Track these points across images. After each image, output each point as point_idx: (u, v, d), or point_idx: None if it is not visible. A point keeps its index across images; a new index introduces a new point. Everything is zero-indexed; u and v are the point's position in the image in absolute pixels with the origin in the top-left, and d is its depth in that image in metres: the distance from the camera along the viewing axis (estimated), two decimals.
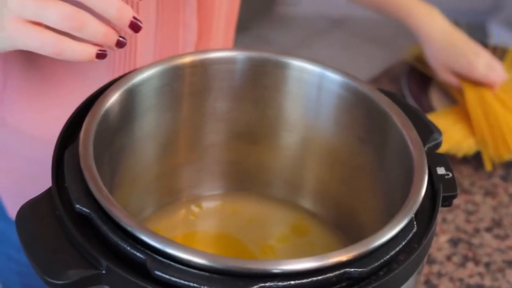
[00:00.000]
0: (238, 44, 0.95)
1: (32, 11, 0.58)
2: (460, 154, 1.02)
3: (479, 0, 2.72)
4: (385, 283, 0.56)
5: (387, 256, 0.57)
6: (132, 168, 0.70)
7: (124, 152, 0.67)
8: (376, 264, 0.56)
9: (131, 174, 0.70)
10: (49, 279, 0.54)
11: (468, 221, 0.96)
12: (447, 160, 0.67)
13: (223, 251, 0.74)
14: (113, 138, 0.64)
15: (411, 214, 0.59)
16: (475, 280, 0.88)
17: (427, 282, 0.87)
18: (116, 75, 0.69)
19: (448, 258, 0.90)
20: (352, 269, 0.55)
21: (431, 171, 0.65)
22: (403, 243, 0.58)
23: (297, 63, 0.72)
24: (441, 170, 0.66)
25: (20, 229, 0.57)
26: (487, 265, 0.90)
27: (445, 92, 1.13)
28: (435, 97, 1.12)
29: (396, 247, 0.58)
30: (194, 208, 0.77)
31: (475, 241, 0.93)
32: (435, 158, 0.67)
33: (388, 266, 0.58)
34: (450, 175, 0.66)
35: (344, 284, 0.56)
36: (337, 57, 2.19)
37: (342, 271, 0.55)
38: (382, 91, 0.71)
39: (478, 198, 0.99)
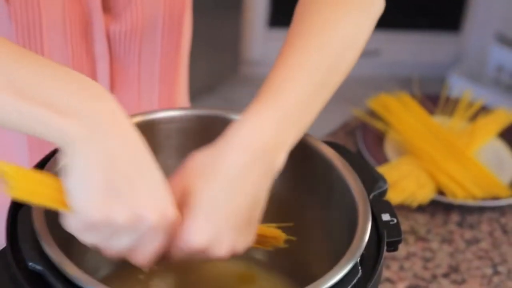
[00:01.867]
0: (204, 105, 0.97)
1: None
2: (415, 203, 1.05)
3: (440, 53, 2.79)
4: None
5: None
6: None
7: None
8: None
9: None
10: None
11: (425, 268, 0.98)
12: (392, 206, 0.70)
13: None
14: None
15: (355, 259, 0.62)
16: None
17: None
18: None
19: None
20: None
21: (376, 218, 0.68)
22: (349, 287, 0.60)
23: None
24: (386, 217, 0.69)
25: None
26: None
27: (399, 144, 1.16)
28: (389, 149, 1.16)
29: None
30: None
31: (433, 287, 0.95)
32: (380, 205, 0.69)
33: None
34: (395, 221, 0.68)
35: None
36: None
37: None
38: (329, 143, 0.74)
39: (434, 245, 1.01)
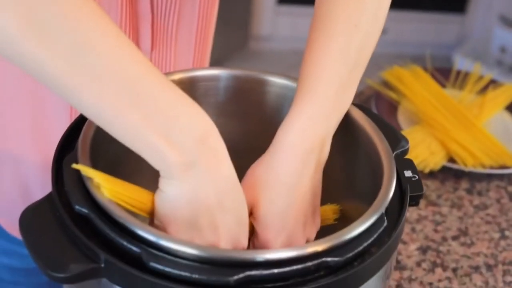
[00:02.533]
0: None
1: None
2: (427, 169, 1.09)
3: (445, 33, 2.82)
4: (358, 272, 0.62)
5: (361, 247, 0.62)
6: (129, 174, 0.75)
7: (119, 160, 0.72)
8: (351, 254, 0.62)
9: (127, 179, 0.75)
10: (52, 273, 0.59)
11: (436, 231, 1.02)
12: (414, 164, 0.73)
13: None
14: (108, 147, 0.69)
15: (382, 210, 0.65)
16: (443, 284, 0.94)
17: (398, 286, 0.93)
18: None
19: (418, 264, 0.96)
20: (329, 259, 0.61)
21: (399, 174, 0.71)
22: (375, 235, 0.64)
23: (279, 81, 0.78)
24: (408, 173, 0.72)
25: (23, 230, 0.62)
26: (454, 270, 0.96)
27: (411, 113, 1.20)
28: (402, 118, 1.19)
29: (369, 239, 0.63)
30: None
31: (443, 248, 0.99)
32: (403, 163, 0.73)
33: (361, 257, 0.63)
34: (417, 177, 0.72)
35: (322, 272, 0.61)
36: None
37: (320, 260, 0.61)
38: (356, 105, 0.77)
39: (444, 209, 1.05)
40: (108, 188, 0.62)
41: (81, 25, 0.55)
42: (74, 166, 0.63)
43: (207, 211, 0.62)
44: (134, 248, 0.60)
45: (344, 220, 0.76)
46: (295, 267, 0.60)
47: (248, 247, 0.70)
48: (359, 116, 0.76)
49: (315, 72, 0.70)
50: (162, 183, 0.62)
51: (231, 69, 0.80)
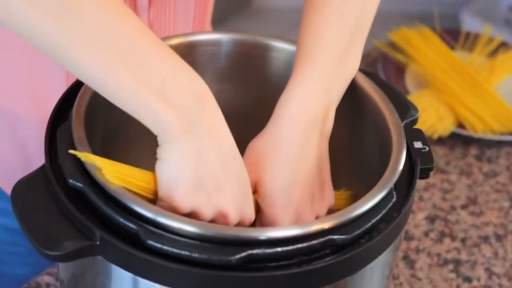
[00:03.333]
0: None
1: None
2: (435, 135, 1.06)
3: None
4: (366, 250, 0.59)
5: (369, 224, 0.60)
6: (127, 143, 0.72)
7: (119, 127, 0.69)
8: (358, 231, 0.59)
9: (125, 149, 0.72)
10: (45, 251, 0.56)
11: (444, 199, 0.99)
12: (424, 135, 0.70)
13: None
14: (107, 114, 0.66)
15: (390, 184, 0.62)
16: (452, 255, 0.91)
17: (405, 257, 0.90)
18: None
19: (426, 234, 0.94)
20: (336, 236, 0.58)
21: (409, 145, 0.68)
22: (383, 211, 0.61)
23: (285, 46, 0.75)
24: (418, 144, 0.69)
25: (15, 204, 0.60)
26: (463, 240, 0.93)
27: (419, 76, 1.16)
28: (409, 81, 1.16)
29: (377, 215, 0.60)
30: None
31: (451, 218, 0.96)
32: (412, 133, 0.70)
33: (369, 234, 0.60)
34: (427, 148, 0.69)
35: (327, 251, 0.59)
36: None
37: (326, 238, 0.58)
38: (362, 71, 0.74)
39: (453, 177, 1.02)
40: (110, 172, 0.58)
41: None
42: (71, 152, 0.60)
43: (212, 173, 0.59)
44: (131, 225, 0.57)
45: (352, 185, 0.73)
46: (299, 245, 0.57)
47: (255, 226, 0.67)
48: (366, 84, 0.72)
49: (312, 37, 0.67)
50: (162, 149, 0.59)
51: (234, 33, 0.76)
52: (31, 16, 0.53)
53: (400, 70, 1.17)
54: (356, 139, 0.73)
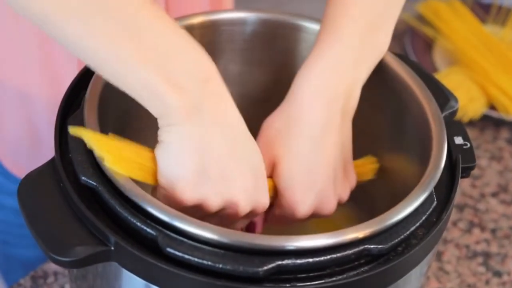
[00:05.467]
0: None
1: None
2: (466, 118, 1.00)
3: None
4: (403, 261, 0.54)
5: (407, 232, 0.55)
6: (138, 131, 0.67)
7: (130, 114, 0.64)
8: (396, 240, 0.54)
9: (137, 137, 0.67)
10: (55, 256, 0.51)
11: (473, 186, 0.94)
12: (464, 129, 0.65)
13: None
14: (119, 101, 0.61)
15: (430, 188, 0.57)
16: (481, 247, 0.87)
17: None
18: None
19: (454, 224, 0.89)
20: (372, 246, 0.53)
21: (449, 141, 0.63)
22: (423, 218, 0.56)
23: (314, 27, 0.69)
24: (458, 140, 0.64)
25: (22, 202, 0.55)
26: (493, 231, 0.88)
27: (449, 52, 1.10)
28: (438, 57, 1.10)
29: (416, 222, 0.55)
30: None
31: (481, 206, 0.91)
32: (452, 127, 0.64)
33: (406, 241, 0.56)
34: (468, 145, 0.64)
35: (362, 261, 0.54)
36: None
37: (361, 248, 0.53)
38: (398, 56, 0.68)
39: (483, 162, 0.97)
40: (103, 148, 0.54)
41: None
42: (71, 130, 0.54)
43: (217, 159, 0.54)
44: (149, 230, 0.52)
45: (387, 178, 0.67)
46: (333, 255, 0.52)
47: (271, 213, 0.62)
48: (405, 73, 0.66)
49: (339, 11, 0.62)
50: (163, 132, 0.54)
51: (259, 12, 0.70)
52: None
53: (428, 45, 1.11)
54: (395, 129, 0.68)
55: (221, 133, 0.54)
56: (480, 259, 0.85)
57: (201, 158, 0.54)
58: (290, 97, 0.61)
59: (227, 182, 0.55)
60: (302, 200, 0.60)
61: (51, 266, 0.79)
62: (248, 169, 0.56)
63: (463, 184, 0.94)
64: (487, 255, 0.86)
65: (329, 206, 0.62)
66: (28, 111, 0.80)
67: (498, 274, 0.84)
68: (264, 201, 0.58)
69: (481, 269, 0.85)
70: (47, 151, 0.57)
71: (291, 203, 0.61)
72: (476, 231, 0.88)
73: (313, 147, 0.60)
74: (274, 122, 0.61)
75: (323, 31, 0.62)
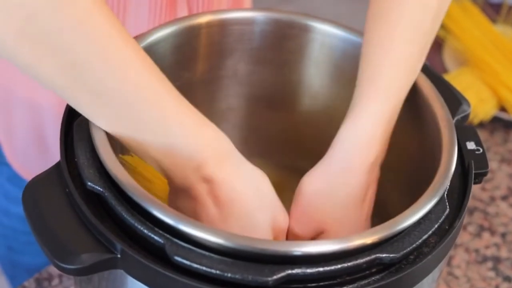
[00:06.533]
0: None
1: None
2: (476, 120, 0.99)
3: None
4: (416, 269, 0.53)
5: (419, 241, 0.53)
6: None
7: None
8: (409, 249, 0.53)
9: None
10: (60, 264, 0.50)
11: (483, 189, 0.93)
12: (477, 133, 0.64)
13: None
14: None
15: (440, 193, 0.56)
16: (491, 251, 0.85)
17: None
18: None
19: (464, 228, 0.88)
20: (384, 255, 0.52)
21: (460, 146, 0.62)
22: (436, 226, 0.55)
23: (325, 28, 0.68)
24: (471, 145, 0.63)
25: (27, 207, 0.54)
26: (503, 235, 0.87)
27: (459, 53, 1.09)
28: (448, 58, 1.08)
29: (429, 230, 0.54)
30: None
31: (491, 210, 0.90)
32: (464, 132, 0.63)
33: (418, 250, 0.54)
34: (481, 150, 0.62)
35: (373, 270, 0.53)
36: (335, 11, 2.09)
37: (373, 256, 0.52)
38: None
39: (493, 164, 0.96)
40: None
41: (80, 41, 0.49)
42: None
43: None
44: (157, 238, 0.51)
45: (398, 183, 0.66)
46: (344, 264, 0.51)
47: None
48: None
49: (376, 66, 0.60)
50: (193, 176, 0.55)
51: (268, 11, 0.69)
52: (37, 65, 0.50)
53: (438, 45, 1.09)
54: (404, 133, 0.66)
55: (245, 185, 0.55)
56: (490, 264, 0.84)
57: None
58: (331, 160, 0.60)
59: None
60: None
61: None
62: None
63: (473, 188, 0.92)
64: (497, 260, 0.85)
65: None
66: (35, 117, 0.80)
67: (508, 279, 0.83)
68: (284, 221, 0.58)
69: (491, 274, 0.83)
70: (55, 158, 0.56)
71: None
72: (486, 235, 0.87)
73: (358, 214, 0.60)
74: (315, 185, 0.60)
75: (364, 81, 0.60)
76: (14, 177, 0.85)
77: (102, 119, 0.53)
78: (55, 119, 0.79)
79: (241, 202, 0.55)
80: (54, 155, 0.68)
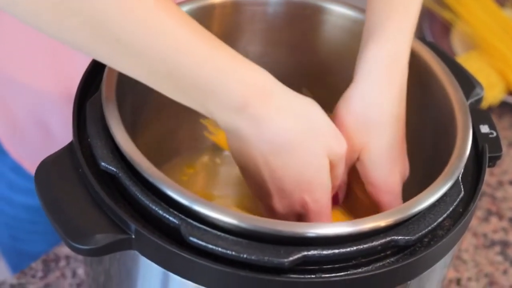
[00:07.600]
0: None
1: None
2: (485, 104, 0.98)
3: None
4: (431, 252, 0.53)
5: (435, 223, 0.53)
6: (156, 112, 0.66)
7: (149, 93, 0.63)
8: (424, 231, 0.52)
9: (153, 117, 0.66)
10: (74, 244, 0.50)
11: (491, 174, 0.92)
12: (491, 117, 0.63)
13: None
14: (136, 82, 0.59)
15: (455, 177, 0.56)
16: (499, 236, 0.85)
17: None
18: None
19: None
20: (399, 237, 0.52)
21: (474, 130, 0.61)
22: (451, 208, 0.54)
23: (339, 9, 0.67)
24: (484, 129, 0.62)
25: (40, 187, 0.53)
26: (511, 220, 0.87)
27: (467, 37, 1.08)
28: (456, 42, 1.08)
29: (444, 213, 0.54)
30: (217, 160, 0.73)
31: (499, 194, 0.90)
32: (478, 115, 0.63)
33: (433, 232, 0.54)
34: (495, 134, 0.62)
35: (388, 252, 0.53)
36: None
37: (388, 239, 0.51)
38: (423, 40, 0.66)
39: None
40: None
41: None
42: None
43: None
44: (171, 219, 0.51)
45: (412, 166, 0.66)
46: (359, 246, 0.51)
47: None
48: (428, 56, 0.65)
49: None
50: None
51: None
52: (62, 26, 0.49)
53: (446, 28, 1.09)
54: (419, 116, 0.66)
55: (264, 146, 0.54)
56: (497, 248, 0.84)
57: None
58: (361, 78, 0.60)
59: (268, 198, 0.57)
60: (390, 179, 0.61)
61: (63, 250, 0.78)
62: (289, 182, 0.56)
63: None
64: (504, 244, 0.84)
65: (407, 172, 0.62)
66: (39, 107, 0.79)
67: None
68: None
69: (499, 258, 0.83)
70: (60, 144, 0.56)
71: (381, 184, 0.61)
72: (494, 219, 0.87)
73: (394, 124, 0.60)
74: (350, 107, 0.60)
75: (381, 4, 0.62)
76: (17, 166, 0.85)
77: (139, 72, 0.52)
78: (57, 105, 0.78)
79: (290, 140, 0.54)
80: (58, 141, 0.68)
